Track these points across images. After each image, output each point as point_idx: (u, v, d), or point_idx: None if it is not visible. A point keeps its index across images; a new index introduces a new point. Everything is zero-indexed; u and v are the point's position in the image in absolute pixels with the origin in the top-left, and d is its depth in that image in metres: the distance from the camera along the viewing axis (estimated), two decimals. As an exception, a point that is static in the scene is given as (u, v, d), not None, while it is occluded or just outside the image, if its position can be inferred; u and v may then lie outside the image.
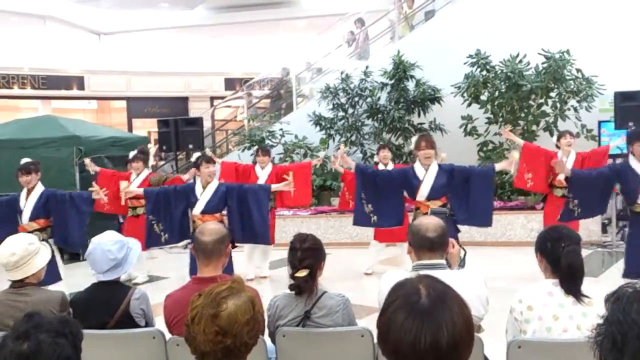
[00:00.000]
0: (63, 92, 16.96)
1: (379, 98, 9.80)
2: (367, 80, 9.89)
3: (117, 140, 9.39)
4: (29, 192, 5.54)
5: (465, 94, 8.97)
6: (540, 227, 6.80)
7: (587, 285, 2.52)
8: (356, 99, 9.99)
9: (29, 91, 16.54)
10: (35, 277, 3.04)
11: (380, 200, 5.79)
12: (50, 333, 1.60)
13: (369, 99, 9.84)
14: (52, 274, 4.37)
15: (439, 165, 5.63)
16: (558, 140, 6.71)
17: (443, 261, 2.62)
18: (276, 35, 17.78)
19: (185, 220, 5.78)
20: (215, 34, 18.26)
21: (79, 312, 2.92)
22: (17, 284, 2.99)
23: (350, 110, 10.04)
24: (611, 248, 7.83)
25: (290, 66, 13.16)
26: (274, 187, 6.08)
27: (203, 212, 5.67)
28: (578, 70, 8.52)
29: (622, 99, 7.73)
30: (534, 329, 2.49)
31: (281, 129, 10.40)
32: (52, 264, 3.65)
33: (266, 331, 2.80)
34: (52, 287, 3.85)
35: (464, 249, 2.93)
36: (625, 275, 5.14)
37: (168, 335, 2.81)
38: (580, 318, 2.44)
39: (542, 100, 8.78)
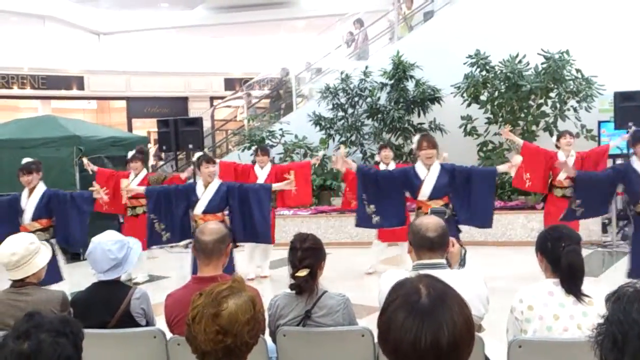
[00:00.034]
0: (63, 92, 16.95)
1: (378, 98, 9.80)
2: (366, 80, 9.89)
3: (117, 140, 9.41)
4: (30, 191, 5.53)
5: (464, 94, 8.97)
6: (540, 227, 6.80)
7: (588, 284, 2.52)
8: (356, 99, 9.99)
9: (28, 91, 16.52)
10: (36, 277, 3.04)
11: (382, 200, 5.79)
12: (51, 332, 1.60)
13: (368, 99, 9.84)
14: (52, 273, 4.37)
15: (441, 165, 5.64)
16: (558, 140, 6.71)
17: (443, 261, 2.62)
18: (276, 36, 17.79)
19: (187, 220, 5.78)
20: (215, 34, 18.26)
21: (80, 311, 2.92)
22: (18, 284, 2.99)
23: (350, 110, 10.04)
24: (611, 248, 7.82)
25: (290, 66, 13.15)
26: (275, 186, 6.09)
27: (205, 212, 5.67)
28: (578, 71, 8.53)
29: (622, 99, 7.72)
30: (534, 329, 2.49)
31: (281, 129, 10.40)
32: (52, 263, 3.65)
33: (267, 330, 2.80)
34: (54, 287, 3.85)
35: (464, 248, 2.94)
36: (630, 275, 5.15)
37: (169, 335, 2.81)
38: (580, 317, 2.45)
39: (541, 101, 8.78)
